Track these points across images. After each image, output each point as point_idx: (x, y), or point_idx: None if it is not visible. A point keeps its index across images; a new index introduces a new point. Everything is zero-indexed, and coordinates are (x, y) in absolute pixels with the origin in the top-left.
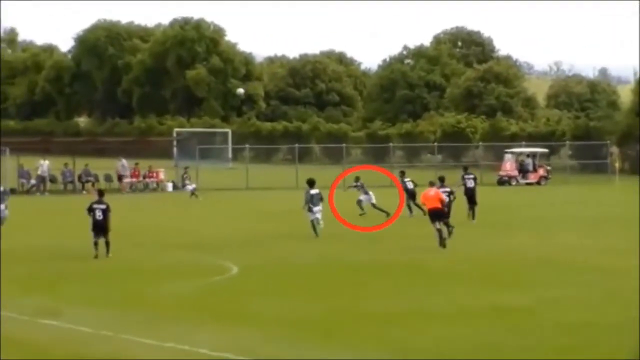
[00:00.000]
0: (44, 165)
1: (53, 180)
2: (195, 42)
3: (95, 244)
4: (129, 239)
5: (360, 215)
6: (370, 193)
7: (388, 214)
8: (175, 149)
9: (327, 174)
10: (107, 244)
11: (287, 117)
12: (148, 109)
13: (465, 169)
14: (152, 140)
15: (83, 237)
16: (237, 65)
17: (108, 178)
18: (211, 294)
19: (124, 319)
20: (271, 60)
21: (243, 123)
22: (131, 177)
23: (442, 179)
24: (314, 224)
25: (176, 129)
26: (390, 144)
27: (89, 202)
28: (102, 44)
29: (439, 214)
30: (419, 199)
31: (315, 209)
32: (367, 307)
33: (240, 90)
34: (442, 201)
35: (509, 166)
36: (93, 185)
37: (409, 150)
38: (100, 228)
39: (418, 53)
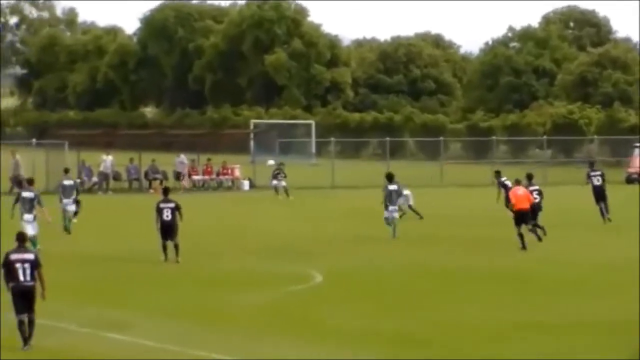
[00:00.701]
0: (107, 160)
1: (117, 177)
2: (274, 23)
3: (164, 247)
4: (202, 243)
5: (400, 217)
6: (408, 192)
7: (421, 217)
8: (252, 143)
9: (422, 170)
10: (176, 247)
11: (377, 107)
12: (222, 98)
13: (591, 165)
14: (227, 133)
15: (150, 239)
16: (322, 49)
17: (178, 176)
18: (293, 305)
19: (195, 332)
20: (359, 44)
21: (328, 114)
22: (203, 174)
23: (530, 177)
24: (388, 223)
25: (253, 121)
26: (494, 138)
27: (156, 202)
28: (171, 26)
29: (525, 216)
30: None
31: (391, 207)
32: (470, 319)
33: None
34: (531, 201)
35: (639, 162)
36: (161, 182)
37: (515, 144)
38: (169, 229)
39: (525, 35)
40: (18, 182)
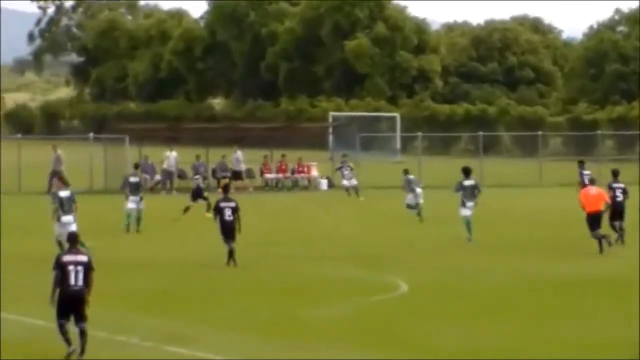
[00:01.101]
0: (171, 157)
1: (182, 175)
2: (355, 5)
3: (230, 252)
4: (274, 248)
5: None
6: (419, 190)
7: (421, 220)
8: (330, 138)
9: (519, 168)
10: (232, 251)
11: (469, 98)
12: (297, 88)
13: None
14: (303, 127)
15: (216, 244)
16: (408, 34)
17: (249, 173)
18: (376, 317)
19: (266, 347)
20: (450, 28)
21: (415, 105)
22: (277, 172)
23: (615, 173)
24: (467, 223)
25: (332, 113)
26: (598, 132)
27: (216, 200)
28: (242, 9)
29: (598, 219)
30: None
31: (469, 204)
32: (591, 337)
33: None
34: (604, 201)
35: None
36: (230, 181)
37: (622, 139)
38: (231, 230)
39: (634, 18)
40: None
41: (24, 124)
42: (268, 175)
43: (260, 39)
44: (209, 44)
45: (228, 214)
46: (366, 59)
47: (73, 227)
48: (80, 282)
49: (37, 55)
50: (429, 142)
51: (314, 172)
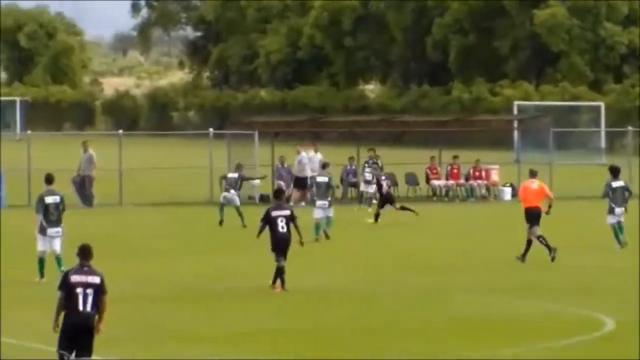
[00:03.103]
0: (315, 159)
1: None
2: None
3: (280, 271)
4: (442, 278)
5: None
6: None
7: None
8: (515, 134)
9: None
10: (281, 270)
11: None
12: (473, 70)
13: None
14: (480, 120)
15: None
16: (615, 2)
17: (411, 179)
18: None
19: None
20: None
21: (624, 93)
22: (447, 177)
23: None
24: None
25: (517, 102)
26: None
27: (267, 208)
28: None
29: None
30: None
31: (618, 210)
32: None
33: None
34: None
35: None
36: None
37: None
38: (286, 244)
39: None
40: (80, 184)
41: (126, 116)
42: (435, 182)
43: (426, 8)
44: (361, 16)
45: (281, 225)
46: (561, 32)
47: (57, 242)
48: (89, 308)
49: (143, 30)
50: None
51: (495, 178)
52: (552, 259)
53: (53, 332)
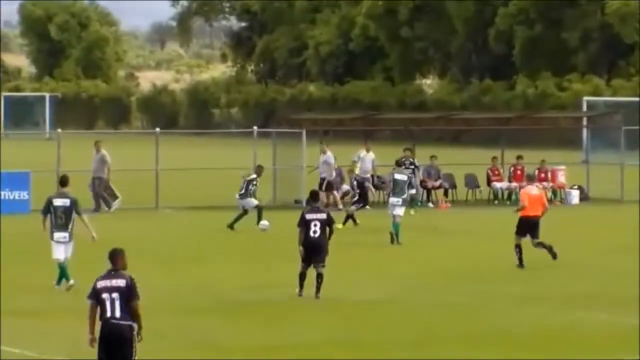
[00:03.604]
0: (367, 159)
1: (379, 184)
2: None
3: (303, 276)
4: (498, 286)
5: None
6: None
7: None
8: (584, 132)
9: None
10: (320, 277)
11: None
12: (539, 63)
13: None
14: (546, 117)
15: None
16: None
17: (471, 180)
18: None
19: None
20: None
21: None
22: (510, 179)
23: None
24: None
25: (586, 98)
26: None
27: (302, 211)
28: None
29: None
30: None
31: None
32: None
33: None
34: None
35: None
36: (446, 193)
37: None
38: (317, 250)
39: None
40: (97, 192)
41: (164, 113)
42: (497, 184)
43: None
44: (418, 5)
45: (314, 229)
46: (635, 22)
47: (61, 250)
48: (117, 313)
49: (183, 20)
50: None
51: (562, 180)
52: (554, 257)
53: (89, 346)
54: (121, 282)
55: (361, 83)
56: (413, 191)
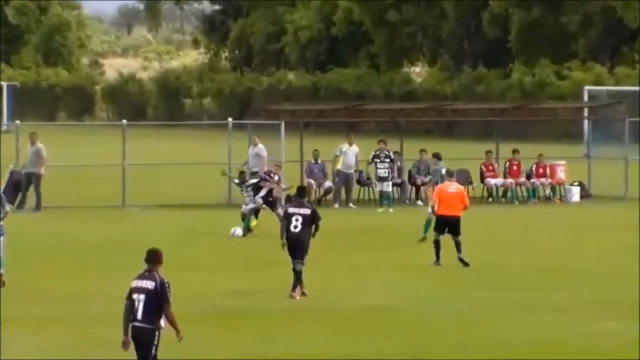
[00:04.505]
0: (350, 153)
1: (362, 180)
2: None
3: (298, 277)
4: (503, 293)
5: None
6: None
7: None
8: (585, 124)
9: None
10: (298, 274)
11: None
12: (536, 49)
13: None
14: (544, 108)
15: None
16: None
17: (462, 176)
18: None
19: None
20: None
21: None
22: (505, 175)
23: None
24: None
25: (588, 87)
26: None
27: (286, 206)
28: None
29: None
30: None
31: None
32: None
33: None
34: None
35: None
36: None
37: None
38: (296, 246)
39: None
40: (16, 182)
41: (132, 103)
42: (492, 181)
43: None
44: None
45: (295, 223)
46: (634, 9)
47: None
48: (140, 316)
49: (152, 3)
50: None
51: (561, 176)
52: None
53: (124, 349)
54: (150, 285)
55: (344, 71)
56: (389, 188)
